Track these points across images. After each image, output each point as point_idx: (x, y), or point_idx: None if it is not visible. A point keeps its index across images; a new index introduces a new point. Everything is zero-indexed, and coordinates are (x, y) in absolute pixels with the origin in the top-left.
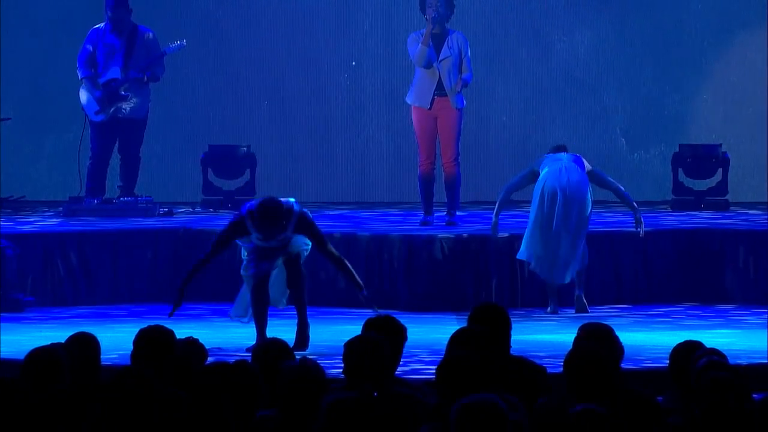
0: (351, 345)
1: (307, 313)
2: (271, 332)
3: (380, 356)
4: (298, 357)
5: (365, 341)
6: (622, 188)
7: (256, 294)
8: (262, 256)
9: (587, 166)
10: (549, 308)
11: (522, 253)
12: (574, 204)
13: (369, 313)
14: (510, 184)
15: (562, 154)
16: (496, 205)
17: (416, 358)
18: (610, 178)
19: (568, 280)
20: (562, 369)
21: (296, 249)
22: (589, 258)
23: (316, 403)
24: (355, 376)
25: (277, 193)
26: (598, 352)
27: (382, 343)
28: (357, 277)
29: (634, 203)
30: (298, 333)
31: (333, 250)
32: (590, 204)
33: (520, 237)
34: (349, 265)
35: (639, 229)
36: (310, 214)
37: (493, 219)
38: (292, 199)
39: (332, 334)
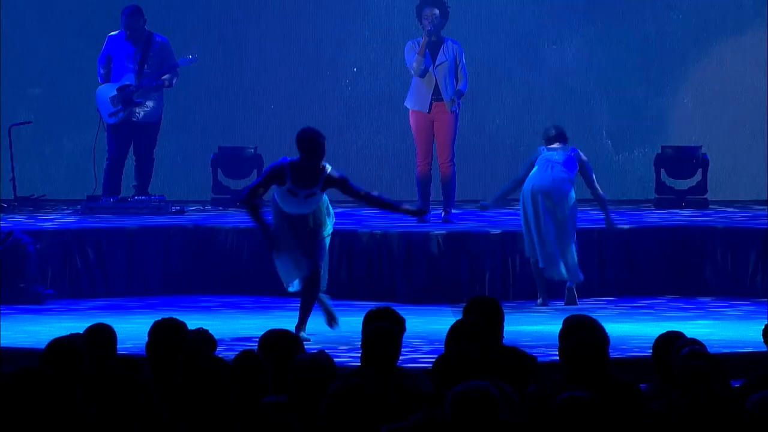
0: (374, 334)
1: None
2: (277, 323)
3: (396, 346)
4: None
5: (386, 332)
6: (601, 193)
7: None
8: (288, 231)
9: (581, 161)
10: (539, 300)
11: (526, 251)
12: (556, 204)
13: (368, 305)
14: (518, 178)
15: (555, 153)
16: (501, 189)
17: (414, 347)
18: (594, 182)
19: (562, 276)
20: (559, 357)
21: (318, 253)
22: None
23: (326, 392)
24: (372, 363)
25: None
26: (596, 342)
27: (397, 334)
28: (393, 202)
29: (608, 208)
30: (325, 313)
31: (365, 193)
32: (572, 203)
33: (512, 234)
34: (382, 198)
35: (611, 227)
36: (340, 175)
37: (494, 197)
38: None
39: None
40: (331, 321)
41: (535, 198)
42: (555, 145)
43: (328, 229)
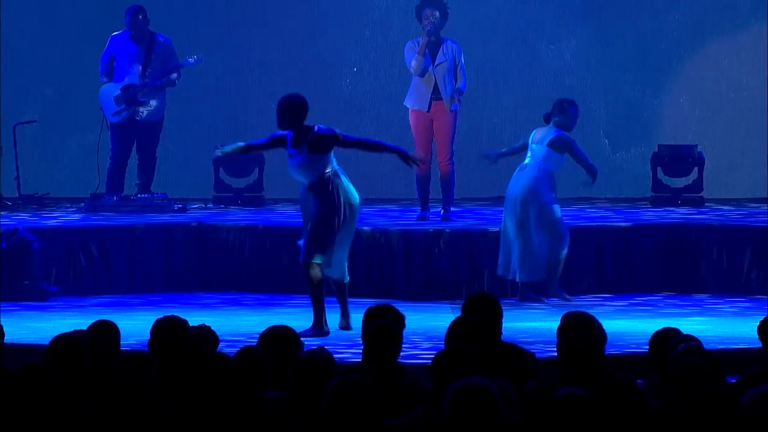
0: (375, 331)
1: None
2: (278, 320)
3: (397, 344)
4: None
5: (387, 329)
6: (590, 164)
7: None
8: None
9: (560, 147)
10: (518, 298)
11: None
12: (529, 211)
13: (368, 302)
14: (515, 147)
15: (536, 146)
16: (504, 150)
17: (413, 344)
18: (582, 158)
19: (522, 279)
20: (556, 353)
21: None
22: (568, 251)
23: (325, 389)
24: (373, 360)
25: (283, 192)
26: (594, 338)
27: (397, 331)
28: (391, 145)
29: (592, 171)
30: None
31: (355, 138)
32: (547, 201)
33: None
34: (378, 141)
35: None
36: (327, 129)
37: (499, 152)
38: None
39: (335, 321)
40: (343, 325)
41: (509, 207)
42: (542, 130)
43: (332, 209)
